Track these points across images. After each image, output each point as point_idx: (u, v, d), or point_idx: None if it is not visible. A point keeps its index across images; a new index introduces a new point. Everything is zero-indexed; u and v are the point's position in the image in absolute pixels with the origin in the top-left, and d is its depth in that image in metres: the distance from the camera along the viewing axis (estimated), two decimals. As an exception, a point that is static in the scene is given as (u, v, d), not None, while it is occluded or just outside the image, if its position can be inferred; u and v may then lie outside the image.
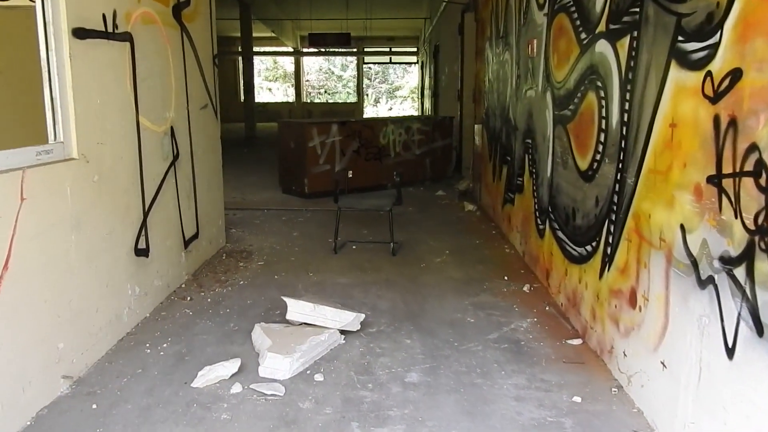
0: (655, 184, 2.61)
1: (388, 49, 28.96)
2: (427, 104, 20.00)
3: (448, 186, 9.37)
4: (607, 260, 3.19)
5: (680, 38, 2.37)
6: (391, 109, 34.04)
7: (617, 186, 3.08)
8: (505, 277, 4.82)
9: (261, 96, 30.80)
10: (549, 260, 4.38)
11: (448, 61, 13.18)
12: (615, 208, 3.09)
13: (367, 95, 33.40)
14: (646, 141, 2.70)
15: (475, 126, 7.76)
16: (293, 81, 29.94)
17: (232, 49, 23.86)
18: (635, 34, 2.84)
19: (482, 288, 4.59)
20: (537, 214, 4.77)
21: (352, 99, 30.42)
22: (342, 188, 6.30)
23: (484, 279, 4.80)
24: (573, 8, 3.78)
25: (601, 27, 3.29)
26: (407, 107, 32.74)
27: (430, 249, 5.74)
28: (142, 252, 3.94)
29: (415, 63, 28.54)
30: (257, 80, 32.39)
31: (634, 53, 2.86)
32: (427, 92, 20.50)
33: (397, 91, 34.51)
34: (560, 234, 4.08)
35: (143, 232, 3.96)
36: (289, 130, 8.68)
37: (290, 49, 27.73)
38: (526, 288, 4.54)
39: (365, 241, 6.05)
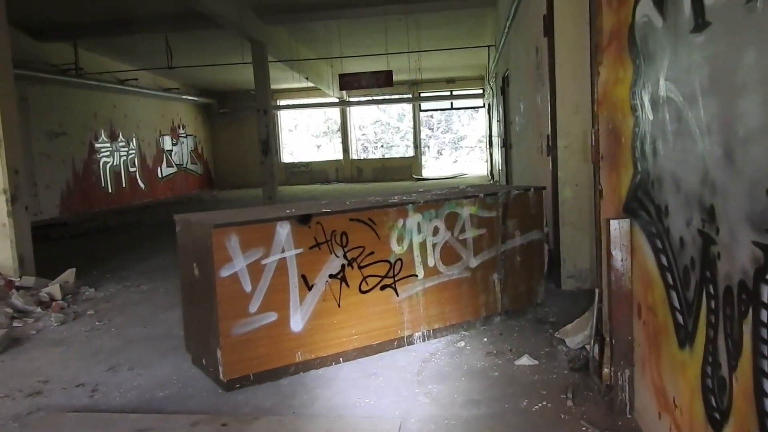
0: None
1: (448, 93, 24.59)
2: (497, 157, 15.25)
3: (540, 328, 4.51)
4: None
5: None
6: (456, 161, 29.42)
7: None
8: None
9: (305, 155, 27.02)
10: None
11: (524, 91, 8.48)
12: None
13: (428, 147, 29.00)
14: None
15: (612, 224, 2.99)
16: (340, 135, 25.98)
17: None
18: None
19: None
20: None
21: (410, 153, 25.94)
22: None
23: None
24: None
25: None
26: (475, 158, 28.04)
27: None
28: None
29: (481, 107, 23.97)
30: (303, 136, 28.88)
31: None
32: (495, 141, 15.78)
33: (461, 140, 29.93)
34: None
35: None
36: (189, 235, 4.10)
37: (325, 100, 23.85)
38: None
39: None
